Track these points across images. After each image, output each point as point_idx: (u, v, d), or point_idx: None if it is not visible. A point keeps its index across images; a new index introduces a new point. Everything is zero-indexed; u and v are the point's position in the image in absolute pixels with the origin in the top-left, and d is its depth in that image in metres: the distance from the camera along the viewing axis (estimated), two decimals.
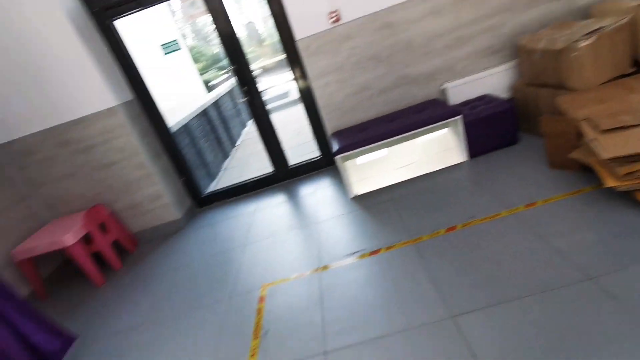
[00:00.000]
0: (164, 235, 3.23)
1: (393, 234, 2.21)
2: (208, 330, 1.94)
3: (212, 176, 4.28)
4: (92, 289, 2.73)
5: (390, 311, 1.68)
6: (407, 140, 2.79)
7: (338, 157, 2.71)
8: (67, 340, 1.95)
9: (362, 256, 2.11)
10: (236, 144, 5.72)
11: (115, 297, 2.56)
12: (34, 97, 2.76)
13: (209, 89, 8.56)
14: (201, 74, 9.39)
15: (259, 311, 1.96)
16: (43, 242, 2.63)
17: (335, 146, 2.74)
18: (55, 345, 1.88)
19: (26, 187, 3.00)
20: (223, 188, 3.64)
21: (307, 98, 3.20)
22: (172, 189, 3.26)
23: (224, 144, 5.18)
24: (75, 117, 2.84)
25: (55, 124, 2.86)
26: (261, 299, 2.04)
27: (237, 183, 3.63)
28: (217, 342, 1.84)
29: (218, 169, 4.56)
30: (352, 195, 2.81)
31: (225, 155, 5.04)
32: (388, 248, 2.10)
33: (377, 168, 2.96)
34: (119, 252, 3.07)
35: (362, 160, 3.02)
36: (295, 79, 3.16)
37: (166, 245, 3.06)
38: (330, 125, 3.14)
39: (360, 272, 1.99)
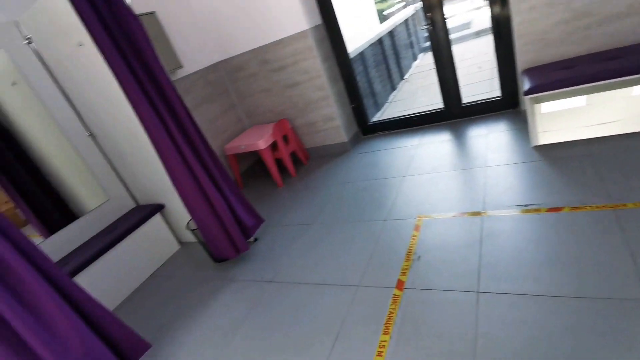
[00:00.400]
0: (331, 154, 3.58)
1: (584, 194, 1.88)
2: (365, 241, 2.17)
3: (378, 106, 4.37)
4: (274, 188, 3.34)
5: (562, 274, 1.51)
6: (627, 86, 2.18)
7: (528, 98, 2.36)
8: (259, 221, 2.50)
9: (536, 210, 1.90)
10: (404, 77, 5.58)
11: (290, 198, 3.07)
12: (246, 20, 3.24)
13: (382, 18, 8.32)
14: (375, 2, 9.13)
15: (413, 238, 2.05)
16: (243, 143, 3.28)
17: (526, 84, 2.37)
18: (251, 221, 2.44)
19: (236, 97, 3.71)
20: (388, 119, 3.70)
21: (501, 26, 2.79)
22: (343, 114, 3.50)
23: (393, 76, 5.12)
24: (275, 39, 3.24)
25: (260, 45, 3.33)
26: (416, 228, 2.12)
27: (402, 115, 3.62)
28: (371, 253, 2.05)
29: (384, 99, 4.61)
30: (535, 144, 2.46)
31: (393, 87, 5.01)
32: (574, 208, 1.82)
33: (567, 121, 2.43)
34: (295, 162, 3.59)
35: (549, 108, 2.53)
36: (490, 3, 2.76)
37: (333, 163, 3.40)
38: (524, 60, 2.70)
39: (531, 227, 1.81)
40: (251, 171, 3.78)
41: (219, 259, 2.45)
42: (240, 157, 3.63)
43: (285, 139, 3.46)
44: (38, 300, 1.41)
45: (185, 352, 1.84)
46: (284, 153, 3.31)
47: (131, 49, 1.89)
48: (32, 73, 2.40)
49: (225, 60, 3.55)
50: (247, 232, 2.39)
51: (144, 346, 1.74)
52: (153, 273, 2.66)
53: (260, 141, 3.16)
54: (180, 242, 2.91)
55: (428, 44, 3.41)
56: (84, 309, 1.58)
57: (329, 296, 1.86)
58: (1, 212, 1.42)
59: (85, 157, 2.61)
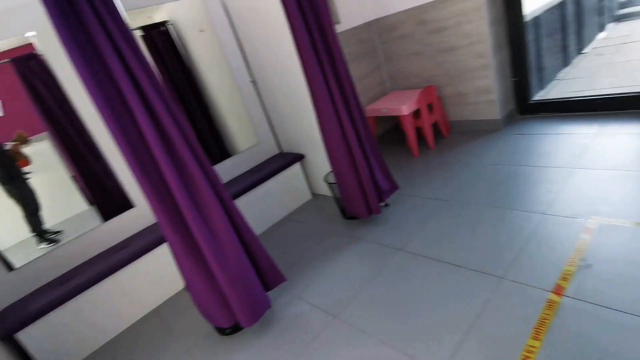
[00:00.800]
0: (478, 131, 3.23)
1: None
2: (514, 232, 1.92)
3: (542, 83, 3.73)
4: (409, 157, 3.21)
5: None
6: None
7: None
8: (394, 187, 2.44)
9: None
10: (583, 51, 4.61)
11: (425, 170, 2.91)
12: None
13: None
14: None
15: (582, 241, 1.72)
16: (386, 106, 3.20)
17: None
18: (386, 185, 2.40)
19: (383, 59, 3.60)
20: (556, 99, 3.12)
21: None
22: (501, 87, 3.08)
23: (568, 49, 4.26)
24: None
25: (420, 4, 3.10)
26: (587, 230, 1.77)
27: (578, 97, 3.01)
28: (522, 247, 1.80)
29: (552, 76, 3.90)
30: None
31: (566, 62, 4.19)
32: None
33: None
34: (435, 134, 3.37)
35: None
36: None
37: (478, 141, 3.07)
38: None
39: None
40: (387, 136, 3.70)
41: (349, 216, 2.50)
42: (378, 120, 3.57)
43: (430, 107, 3.24)
44: (210, 211, 1.63)
45: (312, 294, 1.96)
46: (426, 122, 3.12)
47: (308, 1, 1.92)
48: (218, 22, 2.69)
49: (379, 19, 3.43)
50: (381, 195, 2.37)
51: (281, 278, 1.91)
52: (286, 216, 2.89)
53: (404, 106, 3.02)
54: (312, 193, 3.08)
55: (625, 11, 2.66)
56: (239, 230, 1.78)
57: (464, 281, 1.72)
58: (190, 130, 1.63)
59: (245, 101, 2.89)
